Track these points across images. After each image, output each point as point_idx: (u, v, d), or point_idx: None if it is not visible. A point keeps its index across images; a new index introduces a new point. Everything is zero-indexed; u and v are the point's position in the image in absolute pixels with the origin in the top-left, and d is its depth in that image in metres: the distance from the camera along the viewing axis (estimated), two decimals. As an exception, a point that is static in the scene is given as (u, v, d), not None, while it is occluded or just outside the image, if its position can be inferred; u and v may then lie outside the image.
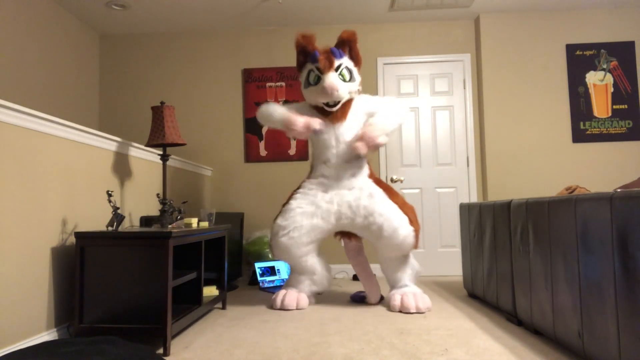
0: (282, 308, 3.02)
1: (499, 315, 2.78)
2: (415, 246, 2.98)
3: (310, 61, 3.09)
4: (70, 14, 4.29)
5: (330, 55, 3.04)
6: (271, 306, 3.13)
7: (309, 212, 3.00)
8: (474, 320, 2.68)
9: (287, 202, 3.13)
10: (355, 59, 3.14)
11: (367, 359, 2.02)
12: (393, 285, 3.10)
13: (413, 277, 3.09)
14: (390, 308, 2.96)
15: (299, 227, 2.97)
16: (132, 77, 4.79)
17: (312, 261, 3.07)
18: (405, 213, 2.96)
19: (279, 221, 3.04)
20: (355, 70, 3.12)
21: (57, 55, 4.09)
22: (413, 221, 2.96)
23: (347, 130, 3.09)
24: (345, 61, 3.08)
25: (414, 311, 2.87)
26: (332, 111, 3.08)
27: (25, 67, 3.69)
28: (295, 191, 3.17)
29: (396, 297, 2.94)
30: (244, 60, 4.75)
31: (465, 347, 2.16)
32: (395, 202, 2.99)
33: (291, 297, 3.03)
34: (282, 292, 3.09)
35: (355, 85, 3.11)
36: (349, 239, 3.23)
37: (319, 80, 3.02)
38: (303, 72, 3.16)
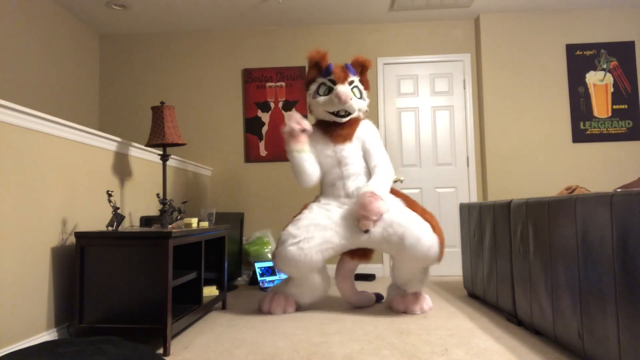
0: (269, 313, 2.93)
1: (499, 315, 2.78)
2: (440, 258, 2.77)
3: (322, 75, 3.06)
4: (70, 14, 4.29)
5: (345, 69, 3.03)
6: (258, 309, 3.03)
7: (323, 225, 2.82)
8: (474, 320, 2.68)
9: (299, 212, 2.99)
10: (365, 84, 3.14)
11: (367, 359, 2.02)
12: (398, 287, 3.00)
13: (424, 284, 2.97)
14: (393, 310, 2.94)
15: (310, 239, 2.77)
16: (132, 77, 4.79)
17: (317, 278, 2.90)
18: (427, 220, 2.79)
19: (290, 229, 2.83)
20: (365, 92, 3.12)
21: (57, 55, 4.09)
22: (435, 228, 2.77)
23: (350, 153, 3.00)
24: (357, 81, 3.09)
25: (419, 313, 2.85)
26: (340, 122, 3.01)
27: (26, 67, 3.69)
28: (307, 204, 3.07)
29: (398, 300, 2.91)
30: (244, 60, 4.75)
31: (465, 347, 2.16)
32: (415, 211, 2.83)
33: (278, 302, 2.93)
34: (269, 297, 2.98)
35: (365, 105, 3.10)
36: (351, 258, 3.02)
37: (330, 91, 3.00)
38: (312, 86, 3.10)
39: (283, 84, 4.68)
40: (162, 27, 4.70)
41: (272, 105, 4.67)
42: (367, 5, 4.29)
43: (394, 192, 3.02)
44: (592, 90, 4.45)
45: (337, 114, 3.01)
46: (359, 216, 2.74)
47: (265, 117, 4.67)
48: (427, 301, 2.92)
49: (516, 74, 4.50)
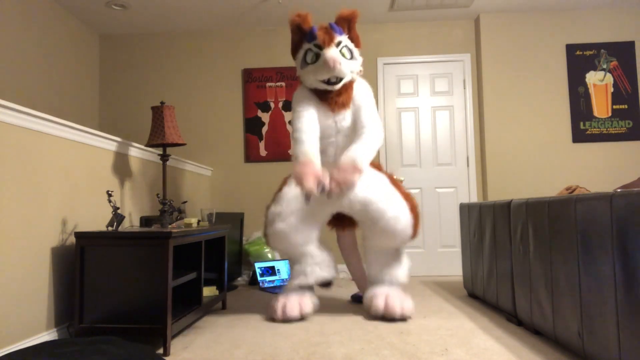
0: (285, 319, 2.67)
1: (499, 315, 2.78)
2: (414, 235, 2.71)
3: (307, 40, 2.83)
4: (70, 14, 4.29)
5: (330, 30, 2.79)
6: (271, 318, 2.76)
7: (304, 194, 2.65)
8: (474, 320, 2.68)
9: (279, 189, 2.86)
10: (355, 40, 2.91)
11: (367, 359, 2.02)
12: (375, 282, 2.81)
13: (404, 275, 2.81)
14: (370, 310, 2.70)
15: (295, 212, 2.70)
16: (132, 77, 4.79)
17: (314, 248, 2.80)
18: (407, 202, 2.72)
19: (273, 208, 2.77)
20: (355, 50, 2.89)
21: (57, 55, 4.09)
22: (414, 211, 2.71)
23: (350, 122, 2.84)
24: (345, 39, 2.84)
25: (399, 316, 2.63)
26: (333, 90, 2.80)
27: (25, 67, 3.69)
28: (287, 178, 2.91)
29: (379, 298, 2.68)
30: (244, 60, 4.75)
31: (465, 347, 2.16)
32: (399, 191, 2.75)
33: (293, 303, 2.69)
34: (281, 299, 2.73)
35: (357, 64, 2.87)
36: (342, 231, 3.05)
37: (317, 57, 2.76)
38: (299, 54, 2.89)
39: (283, 84, 4.68)
40: (162, 27, 4.70)
41: (272, 105, 4.67)
42: (367, 5, 4.29)
43: (377, 167, 2.90)
44: (592, 90, 4.45)
45: (328, 82, 2.78)
46: (333, 179, 2.59)
47: (265, 117, 4.67)
48: (408, 302, 2.68)
49: (516, 74, 4.50)
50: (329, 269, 2.85)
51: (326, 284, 2.94)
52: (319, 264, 2.82)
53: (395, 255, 2.82)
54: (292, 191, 2.77)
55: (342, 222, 3.06)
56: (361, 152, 2.66)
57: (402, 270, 2.83)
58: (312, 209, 2.75)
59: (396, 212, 2.64)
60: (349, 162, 2.62)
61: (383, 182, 2.75)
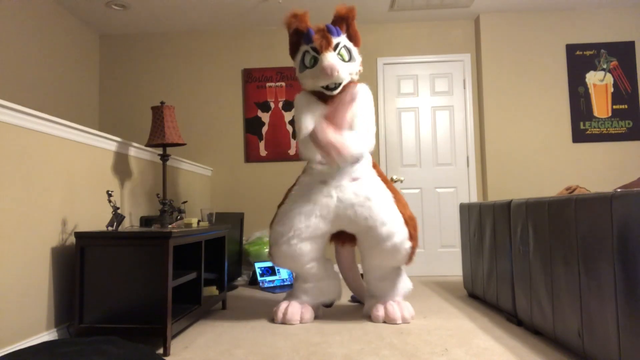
0: (285, 322, 2.69)
1: (499, 315, 2.78)
2: (408, 262, 2.71)
3: (304, 42, 2.80)
4: (70, 14, 4.29)
5: (327, 33, 2.74)
6: (272, 319, 2.82)
7: (307, 211, 2.69)
8: (474, 320, 2.68)
9: (282, 202, 2.85)
10: (354, 37, 2.87)
11: (367, 359, 2.02)
12: (374, 297, 2.82)
13: (402, 295, 2.80)
14: (372, 319, 2.71)
15: (298, 231, 2.67)
16: (132, 77, 4.79)
17: (318, 267, 2.77)
18: (409, 227, 2.68)
19: (277, 227, 2.74)
20: (354, 49, 2.85)
21: (57, 55, 4.09)
22: (413, 237, 2.68)
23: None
24: (343, 40, 2.80)
25: (400, 322, 2.65)
26: (332, 95, 2.80)
27: (26, 67, 3.69)
28: (290, 189, 2.89)
29: (379, 307, 2.71)
30: (244, 60, 4.75)
31: (465, 347, 2.16)
32: (402, 213, 2.69)
33: (294, 309, 2.71)
34: (284, 304, 2.76)
35: (356, 65, 2.85)
36: (342, 245, 2.99)
37: (315, 61, 2.74)
38: (297, 55, 2.87)
39: (283, 84, 4.68)
40: (162, 27, 4.70)
41: (272, 105, 4.67)
42: (367, 5, 4.29)
43: (380, 174, 2.84)
44: (592, 90, 4.45)
45: (327, 88, 2.78)
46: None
47: (265, 117, 4.67)
48: (409, 308, 2.71)
49: (516, 74, 4.50)
50: (331, 293, 2.83)
51: (327, 305, 2.97)
52: (322, 286, 2.81)
53: (394, 273, 2.79)
54: (293, 208, 2.74)
55: (341, 237, 2.98)
56: (349, 136, 2.65)
57: (401, 287, 2.81)
58: (317, 225, 2.70)
59: (396, 240, 2.62)
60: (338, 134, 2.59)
61: (388, 203, 2.69)
